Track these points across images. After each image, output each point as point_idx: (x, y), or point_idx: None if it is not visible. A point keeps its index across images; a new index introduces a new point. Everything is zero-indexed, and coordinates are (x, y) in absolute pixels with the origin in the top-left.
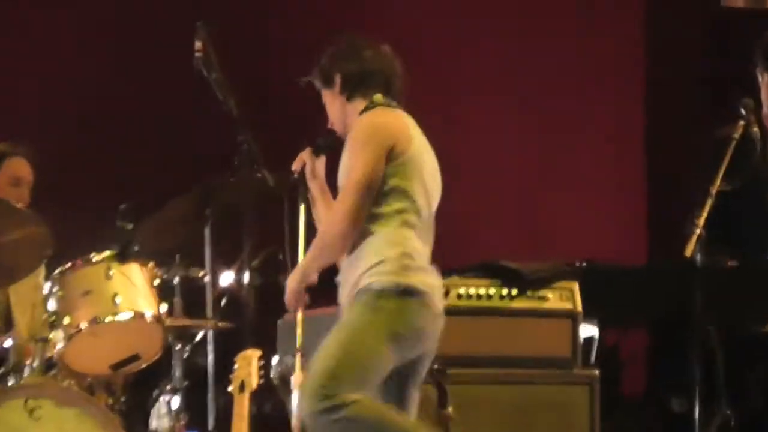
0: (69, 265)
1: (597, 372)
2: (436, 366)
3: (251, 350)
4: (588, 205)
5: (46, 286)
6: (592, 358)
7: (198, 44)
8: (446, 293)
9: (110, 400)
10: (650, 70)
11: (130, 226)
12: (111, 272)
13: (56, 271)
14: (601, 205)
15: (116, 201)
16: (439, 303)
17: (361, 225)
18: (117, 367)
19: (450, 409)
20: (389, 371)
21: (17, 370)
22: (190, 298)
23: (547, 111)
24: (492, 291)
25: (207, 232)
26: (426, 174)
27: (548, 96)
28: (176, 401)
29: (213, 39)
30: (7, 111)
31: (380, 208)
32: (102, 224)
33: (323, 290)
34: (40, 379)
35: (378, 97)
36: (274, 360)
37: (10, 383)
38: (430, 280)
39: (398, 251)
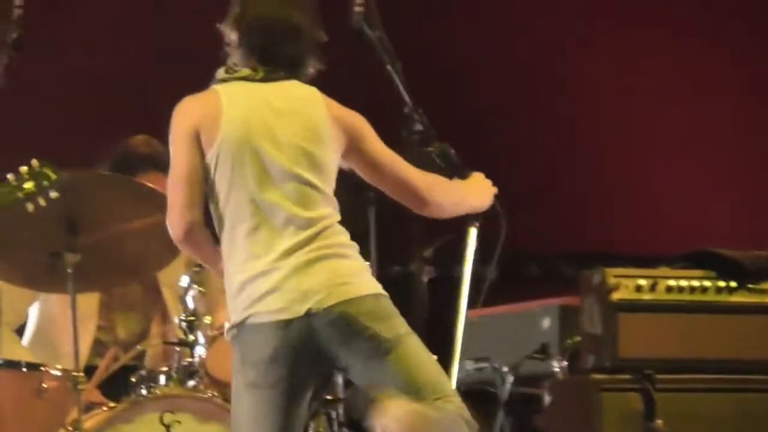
0: None
1: None
2: (642, 372)
3: None
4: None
5: (184, 282)
6: None
7: None
8: (653, 286)
9: None
10: None
11: None
12: None
13: (195, 265)
14: None
15: None
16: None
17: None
18: None
19: (659, 422)
20: None
21: (152, 378)
22: None
23: None
24: (707, 283)
25: (371, 216)
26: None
27: None
28: (339, 413)
29: None
30: None
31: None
32: None
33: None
34: (177, 389)
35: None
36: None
37: (143, 394)
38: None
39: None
